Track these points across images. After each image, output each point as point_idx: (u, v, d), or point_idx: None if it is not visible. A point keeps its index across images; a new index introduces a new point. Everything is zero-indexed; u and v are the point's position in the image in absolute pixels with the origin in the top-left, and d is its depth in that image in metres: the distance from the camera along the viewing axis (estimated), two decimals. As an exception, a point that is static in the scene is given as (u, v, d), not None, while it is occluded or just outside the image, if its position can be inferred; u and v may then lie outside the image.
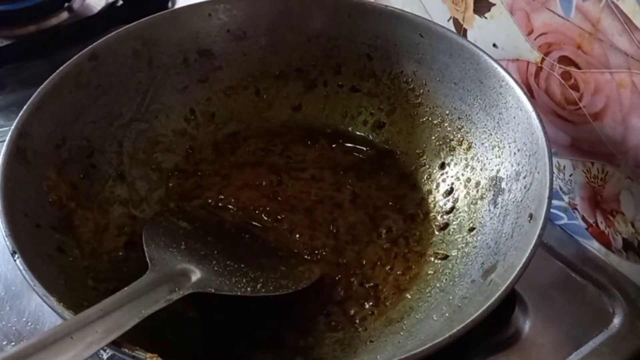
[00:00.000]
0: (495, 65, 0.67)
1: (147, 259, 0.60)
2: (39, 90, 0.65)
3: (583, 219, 0.74)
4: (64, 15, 1.10)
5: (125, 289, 0.54)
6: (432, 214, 0.73)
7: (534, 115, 0.62)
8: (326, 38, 0.80)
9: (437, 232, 0.71)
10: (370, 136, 0.81)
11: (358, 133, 0.82)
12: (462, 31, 0.78)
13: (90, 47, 0.70)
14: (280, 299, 0.63)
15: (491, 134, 0.69)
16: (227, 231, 0.72)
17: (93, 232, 0.66)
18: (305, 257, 0.70)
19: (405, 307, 0.65)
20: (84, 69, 0.70)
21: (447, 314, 0.59)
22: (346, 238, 0.72)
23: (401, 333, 0.61)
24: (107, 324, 0.50)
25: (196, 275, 0.59)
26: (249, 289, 0.62)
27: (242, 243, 0.71)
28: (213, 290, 0.59)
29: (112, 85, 0.72)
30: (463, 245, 0.67)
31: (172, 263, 0.60)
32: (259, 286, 0.63)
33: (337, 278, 0.68)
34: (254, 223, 0.73)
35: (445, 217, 0.72)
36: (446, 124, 0.75)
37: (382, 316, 0.65)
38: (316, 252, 0.70)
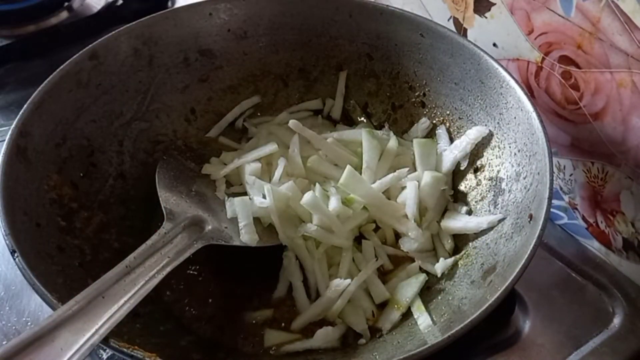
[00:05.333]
0: (496, 65, 0.67)
1: (163, 208, 0.64)
2: (39, 89, 0.65)
3: (583, 218, 0.74)
4: (64, 14, 1.10)
5: (147, 241, 0.58)
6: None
7: (534, 115, 0.62)
8: (327, 38, 0.80)
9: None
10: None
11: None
12: (462, 31, 0.78)
13: (90, 46, 0.71)
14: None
15: (492, 135, 0.69)
16: None
17: (93, 231, 0.66)
18: None
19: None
20: (84, 68, 0.70)
21: (446, 315, 0.59)
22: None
23: (401, 333, 0.61)
24: (134, 281, 0.54)
25: (208, 225, 0.65)
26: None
27: None
28: (223, 242, 0.64)
29: (113, 84, 0.73)
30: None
31: (185, 211, 0.65)
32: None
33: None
34: None
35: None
36: (447, 125, 0.75)
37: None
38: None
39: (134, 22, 0.74)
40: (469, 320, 0.50)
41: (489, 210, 0.67)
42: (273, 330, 0.63)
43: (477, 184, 0.70)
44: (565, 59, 0.66)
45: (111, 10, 1.10)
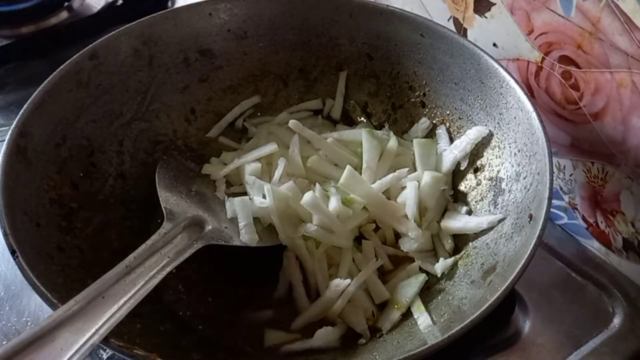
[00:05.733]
0: (496, 65, 0.67)
1: (163, 208, 0.64)
2: (39, 89, 0.65)
3: (583, 218, 0.74)
4: (64, 15, 1.10)
5: (147, 241, 0.58)
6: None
7: (534, 115, 0.62)
8: (327, 38, 0.80)
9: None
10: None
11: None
12: (462, 31, 0.78)
13: (90, 46, 0.71)
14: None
15: (492, 135, 0.69)
16: None
17: (93, 231, 0.66)
18: None
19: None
20: (84, 68, 0.70)
21: (446, 315, 0.59)
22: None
23: (401, 333, 0.61)
24: (134, 281, 0.54)
25: (208, 225, 0.65)
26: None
27: None
28: (223, 242, 0.64)
29: (113, 84, 0.73)
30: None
31: (185, 211, 0.65)
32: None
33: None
34: None
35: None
36: (447, 125, 0.75)
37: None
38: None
39: (134, 22, 0.74)
40: (469, 320, 0.50)
41: (489, 210, 0.67)
42: (273, 330, 0.63)
43: (477, 184, 0.70)
44: (565, 59, 0.66)
45: (111, 10, 1.10)
